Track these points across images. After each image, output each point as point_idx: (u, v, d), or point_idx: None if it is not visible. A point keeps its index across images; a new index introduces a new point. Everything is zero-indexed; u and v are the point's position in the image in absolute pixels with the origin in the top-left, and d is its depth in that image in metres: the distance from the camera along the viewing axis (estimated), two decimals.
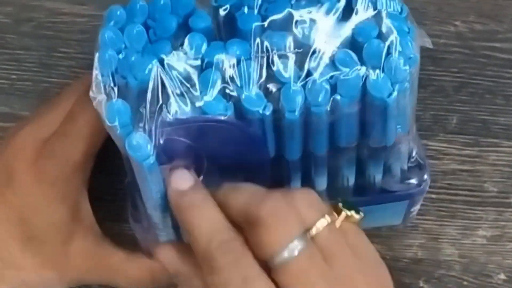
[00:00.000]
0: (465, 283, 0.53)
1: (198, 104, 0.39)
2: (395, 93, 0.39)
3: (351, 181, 0.46)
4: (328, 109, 0.39)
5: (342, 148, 0.43)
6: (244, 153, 0.42)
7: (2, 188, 0.45)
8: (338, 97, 0.39)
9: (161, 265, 0.45)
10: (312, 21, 0.41)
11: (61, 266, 0.47)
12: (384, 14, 0.40)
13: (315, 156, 0.43)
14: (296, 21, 0.41)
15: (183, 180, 0.41)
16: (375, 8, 0.41)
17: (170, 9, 0.42)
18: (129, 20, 0.42)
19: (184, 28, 0.42)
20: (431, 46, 0.43)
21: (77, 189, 0.46)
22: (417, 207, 0.49)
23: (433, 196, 0.53)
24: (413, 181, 0.46)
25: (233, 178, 0.42)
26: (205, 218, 0.40)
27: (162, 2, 0.42)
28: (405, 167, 0.46)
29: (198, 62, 0.40)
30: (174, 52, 0.41)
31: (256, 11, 0.42)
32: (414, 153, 0.46)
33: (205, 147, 0.41)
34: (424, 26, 0.50)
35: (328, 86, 0.39)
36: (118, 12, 0.41)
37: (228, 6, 0.42)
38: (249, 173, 0.42)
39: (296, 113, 0.39)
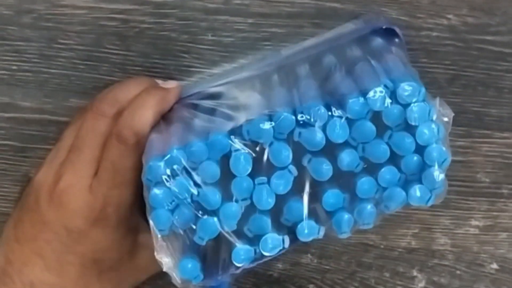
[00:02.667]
0: (458, 272, 0.54)
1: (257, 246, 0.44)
2: (432, 198, 0.44)
3: None
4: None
5: None
6: None
7: (67, 241, 0.47)
8: (383, 208, 0.45)
9: None
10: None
11: (132, 278, 0.51)
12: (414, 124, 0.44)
13: None
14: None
15: None
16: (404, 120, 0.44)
17: (207, 152, 0.43)
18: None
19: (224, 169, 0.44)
20: (453, 114, 0.45)
21: (133, 217, 0.49)
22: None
23: None
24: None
25: None
26: None
27: (198, 147, 0.43)
28: None
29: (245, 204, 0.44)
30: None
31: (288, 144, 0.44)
32: None
33: None
34: (417, 20, 0.51)
35: (375, 210, 0.44)
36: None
37: (261, 142, 0.44)
38: None
39: (349, 233, 0.45)
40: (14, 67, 0.52)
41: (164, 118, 0.47)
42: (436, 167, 0.44)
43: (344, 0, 0.50)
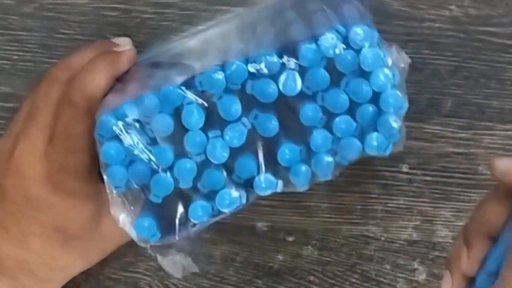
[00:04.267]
0: None
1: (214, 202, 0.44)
2: (390, 147, 0.44)
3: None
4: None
5: None
6: None
7: (27, 210, 0.47)
8: (339, 159, 0.44)
9: None
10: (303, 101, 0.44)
11: (98, 248, 0.50)
12: (369, 71, 0.43)
13: None
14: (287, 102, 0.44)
15: None
16: (358, 66, 0.43)
17: (160, 105, 0.43)
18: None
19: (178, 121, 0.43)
20: (409, 61, 0.45)
21: (92, 183, 0.48)
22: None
23: (428, 178, 0.53)
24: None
25: None
26: None
27: (149, 99, 0.43)
28: None
29: (201, 158, 0.44)
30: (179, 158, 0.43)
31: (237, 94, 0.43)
32: None
33: None
34: (419, 11, 0.51)
35: (331, 159, 0.44)
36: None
37: (213, 92, 0.43)
38: None
39: (306, 186, 0.45)
40: (16, 57, 0.51)
41: (122, 80, 0.47)
42: (392, 113, 0.43)
43: None
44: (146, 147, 0.42)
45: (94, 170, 0.47)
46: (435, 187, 0.53)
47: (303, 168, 0.44)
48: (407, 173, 0.53)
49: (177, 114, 0.43)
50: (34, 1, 0.50)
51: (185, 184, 0.43)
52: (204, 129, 0.43)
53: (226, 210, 0.44)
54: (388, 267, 0.53)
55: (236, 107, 0.42)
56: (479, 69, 0.52)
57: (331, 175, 0.45)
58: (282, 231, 0.53)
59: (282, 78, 0.42)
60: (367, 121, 0.44)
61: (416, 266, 0.53)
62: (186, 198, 0.43)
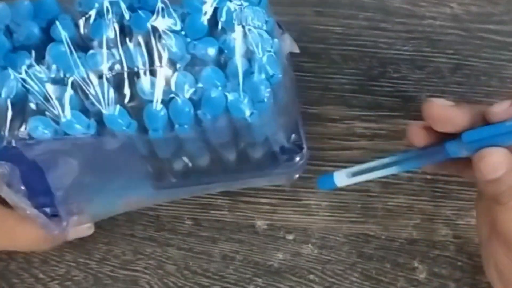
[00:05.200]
0: (459, 263, 0.53)
1: (60, 122, 0.40)
2: (256, 114, 0.41)
3: (232, 159, 0.46)
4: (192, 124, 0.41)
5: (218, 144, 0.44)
6: (113, 154, 0.42)
7: None
8: (200, 113, 0.40)
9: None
10: (173, 36, 0.41)
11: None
12: (247, 30, 0.41)
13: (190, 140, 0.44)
14: (159, 36, 0.41)
15: (492, 170, 0.40)
16: (239, 23, 0.41)
17: (33, 13, 0.42)
18: None
19: (48, 35, 0.42)
20: (298, 51, 0.44)
21: None
22: (300, 173, 0.50)
23: (428, 176, 0.53)
24: (290, 158, 0.47)
25: (107, 174, 0.44)
26: None
27: (24, 6, 0.42)
28: (285, 144, 0.47)
29: (60, 76, 0.41)
30: (35, 65, 0.41)
31: (114, 20, 0.42)
32: (292, 137, 0.47)
33: (75, 156, 0.42)
34: (420, 8, 0.51)
35: (190, 107, 0.40)
36: None
37: (91, 13, 0.42)
38: (124, 166, 0.44)
39: (159, 131, 0.40)
40: None
41: None
42: (263, 78, 0.41)
43: None
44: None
45: None
46: (436, 186, 0.53)
47: (162, 113, 0.40)
48: (407, 171, 0.52)
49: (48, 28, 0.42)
50: None
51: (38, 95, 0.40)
52: (71, 48, 0.41)
53: (71, 132, 0.41)
54: (388, 265, 0.53)
55: (107, 32, 0.41)
56: (480, 67, 0.52)
57: (191, 129, 0.41)
58: (282, 229, 0.53)
59: (158, 15, 0.41)
60: (236, 79, 0.41)
61: (416, 265, 0.53)
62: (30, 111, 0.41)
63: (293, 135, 0.47)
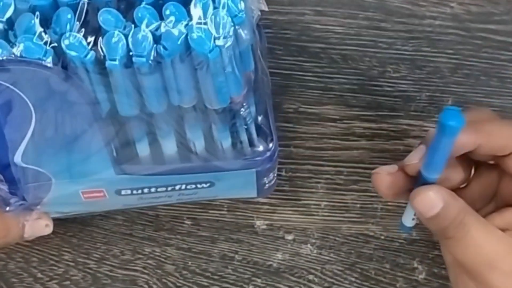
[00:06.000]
0: None
1: (17, 48, 0.38)
2: (216, 49, 0.39)
3: (199, 146, 0.45)
4: (151, 60, 0.39)
5: (180, 108, 0.42)
6: (71, 105, 0.41)
7: None
8: (161, 48, 0.39)
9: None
10: None
11: None
12: None
13: (154, 115, 0.43)
14: None
15: (428, 207, 0.41)
16: None
17: None
18: None
19: None
20: (266, 9, 0.43)
21: None
22: (271, 179, 0.49)
23: None
24: (258, 148, 0.46)
25: (65, 133, 0.42)
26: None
27: None
28: (253, 134, 0.46)
29: (24, 6, 0.39)
30: None
31: None
32: (261, 119, 0.46)
33: (30, 96, 0.40)
34: (420, 8, 0.51)
35: (150, 36, 0.39)
36: None
37: None
38: (82, 130, 0.42)
39: (117, 61, 0.38)
40: None
41: None
42: (224, 12, 0.39)
43: None
44: None
45: None
46: None
47: (121, 44, 0.39)
48: None
49: None
50: None
51: None
52: None
53: (27, 55, 0.39)
54: (387, 266, 0.53)
55: None
56: (480, 67, 0.52)
57: (149, 66, 0.39)
58: (281, 229, 0.53)
59: None
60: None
61: (415, 265, 0.53)
62: None
63: (261, 117, 0.46)
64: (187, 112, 0.43)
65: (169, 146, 0.45)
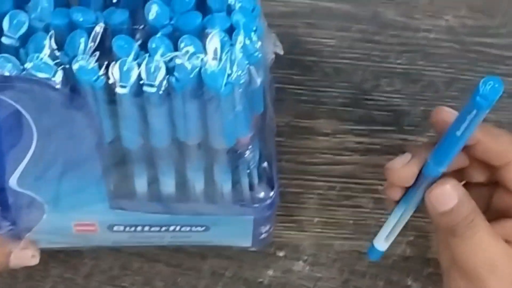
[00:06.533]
0: None
1: (26, 66, 0.38)
2: (228, 86, 0.38)
3: (199, 187, 0.45)
4: (162, 91, 0.38)
5: (184, 146, 0.42)
6: (74, 130, 0.41)
7: None
8: (173, 79, 0.38)
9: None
10: (158, 4, 0.40)
11: None
12: (236, 7, 0.40)
13: (157, 150, 0.42)
14: (145, 1, 0.40)
15: (444, 201, 0.41)
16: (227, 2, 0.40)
17: None
18: None
19: None
20: (281, 53, 0.43)
21: None
22: (268, 228, 0.49)
23: None
24: (259, 195, 0.46)
25: (65, 159, 0.42)
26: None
27: None
28: (254, 179, 0.46)
29: (39, 25, 0.39)
30: (16, 10, 0.39)
31: None
32: (264, 165, 0.46)
33: (33, 116, 0.40)
34: (414, 21, 0.50)
35: (163, 66, 0.38)
36: None
37: None
38: (82, 158, 0.42)
39: (127, 89, 0.38)
40: None
41: None
42: (240, 51, 0.39)
43: (339, 0, 0.49)
44: None
45: None
46: None
47: (131, 65, 0.38)
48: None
49: None
50: None
51: None
52: None
53: (35, 72, 0.38)
54: (381, 283, 0.52)
55: None
56: (476, 81, 0.51)
57: (159, 96, 0.39)
58: (273, 245, 0.52)
59: None
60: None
61: (409, 283, 0.52)
62: None
63: (264, 163, 0.46)
64: (191, 150, 0.42)
65: (168, 184, 0.45)
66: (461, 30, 0.50)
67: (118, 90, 0.38)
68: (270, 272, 0.52)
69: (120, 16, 0.40)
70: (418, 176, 0.42)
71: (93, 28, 0.39)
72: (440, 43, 0.50)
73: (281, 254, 0.52)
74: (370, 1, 0.49)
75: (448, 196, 0.40)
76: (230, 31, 0.39)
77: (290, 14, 0.49)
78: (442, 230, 0.42)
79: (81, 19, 0.39)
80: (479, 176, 0.43)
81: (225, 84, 0.38)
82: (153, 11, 0.39)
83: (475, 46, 0.50)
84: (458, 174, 0.42)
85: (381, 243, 0.45)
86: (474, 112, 0.37)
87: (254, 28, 0.39)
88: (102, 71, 0.38)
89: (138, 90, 0.38)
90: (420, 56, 0.50)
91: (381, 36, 0.50)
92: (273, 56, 0.42)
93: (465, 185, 0.44)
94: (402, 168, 0.42)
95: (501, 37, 0.50)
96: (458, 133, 0.38)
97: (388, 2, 0.49)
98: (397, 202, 0.43)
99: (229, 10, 0.40)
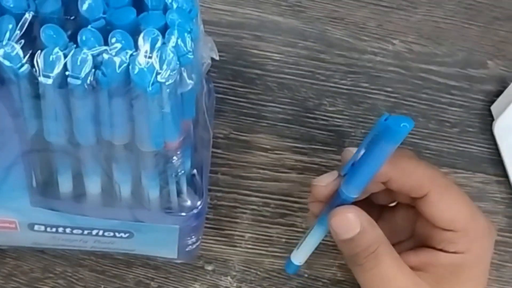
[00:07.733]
0: None
1: None
2: (156, 84, 0.37)
3: (125, 191, 0.44)
4: (87, 84, 0.37)
5: (111, 145, 0.41)
6: None
7: None
8: (99, 73, 0.37)
9: None
10: None
11: None
12: (174, 6, 0.39)
13: (82, 148, 0.41)
14: None
15: (345, 229, 0.40)
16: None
17: None
18: None
19: None
20: (217, 58, 0.42)
21: None
22: (195, 241, 0.48)
23: None
24: (186, 203, 0.45)
25: None
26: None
27: None
28: (182, 187, 0.45)
29: None
30: None
31: None
32: (194, 172, 0.45)
33: None
34: (362, 42, 0.50)
35: (91, 59, 0.37)
36: None
37: None
38: (4, 148, 0.41)
39: (51, 79, 0.37)
40: None
41: None
42: (172, 50, 0.38)
43: (288, 15, 0.49)
44: None
45: None
46: None
47: (57, 55, 0.37)
48: None
49: None
50: None
51: None
52: None
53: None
54: None
55: None
56: (419, 108, 0.51)
57: (84, 89, 0.38)
58: (202, 259, 0.51)
59: None
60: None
61: None
62: None
63: (195, 173, 0.45)
64: (117, 151, 0.41)
65: (93, 186, 0.43)
66: (407, 56, 0.49)
67: (42, 79, 0.37)
68: (197, 286, 0.51)
69: (52, 5, 0.38)
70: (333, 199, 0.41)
71: (23, 15, 0.38)
72: (386, 66, 0.50)
73: (209, 268, 0.51)
74: (319, 19, 0.49)
75: (350, 224, 0.40)
76: (164, 30, 0.38)
77: (237, 25, 0.48)
78: (345, 257, 0.42)
79: (11, 5, 0.38)
80: (403, 198, 0.43)
81: (153, 83, 0.37)
82: (86, 3, 0.38)
83: (420, 73, 0.50)
84: (385, 193, 0.42)
85: (298, 257, 0.45)
86: (381, 144, 0.37)
87: (189, 29, 0.38)
88: (26, 59, 0.37)
89: (62, 81, 0.37)
90: (365, 78, 0.50)
91: (327, 55, 0.50)
92: (209, 61, 0.41)
93: (396, 205, 0.43)
94: (326, 186, 0.41)
95: (447, 65, 0.50)
96: (371, 161, 0.38)
97: (337, 21, 0.49)
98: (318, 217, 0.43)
99: (166, 9, 0.39)
